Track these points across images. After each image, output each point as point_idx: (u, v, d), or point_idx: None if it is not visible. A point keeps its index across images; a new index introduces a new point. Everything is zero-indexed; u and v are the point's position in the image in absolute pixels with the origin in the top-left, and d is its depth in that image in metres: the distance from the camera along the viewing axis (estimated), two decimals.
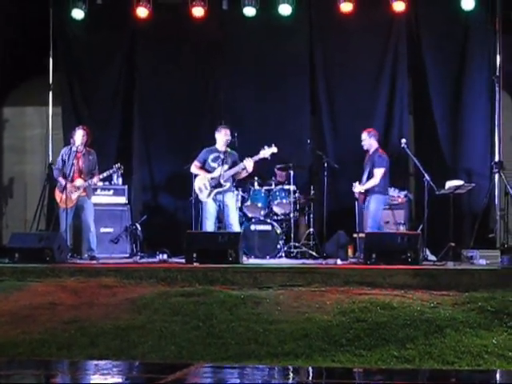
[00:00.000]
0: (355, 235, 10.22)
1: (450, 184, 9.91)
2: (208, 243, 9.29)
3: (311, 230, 10.74)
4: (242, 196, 10.71)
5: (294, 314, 7.18)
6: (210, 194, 10.16)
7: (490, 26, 11.13)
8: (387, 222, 10.49)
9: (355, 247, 10.30)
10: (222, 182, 10.08)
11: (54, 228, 10.42)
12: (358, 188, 10.02)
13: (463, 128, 11.18)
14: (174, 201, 11.60)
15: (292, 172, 10.69)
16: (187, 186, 10.53)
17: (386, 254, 8.94)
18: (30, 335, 6.79)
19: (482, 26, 11.16)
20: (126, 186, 11.24)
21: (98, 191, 10.95)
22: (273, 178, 10.91)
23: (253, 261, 10.08)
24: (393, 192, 10.60)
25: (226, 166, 10.14)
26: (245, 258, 9.72)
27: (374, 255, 8.94)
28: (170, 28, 11.50)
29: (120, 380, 5.50)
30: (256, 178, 10.73)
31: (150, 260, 10.27)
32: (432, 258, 9.77)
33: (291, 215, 10.65)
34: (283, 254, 10.49)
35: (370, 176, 9.98)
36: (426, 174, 9.82)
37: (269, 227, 10.57)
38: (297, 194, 10.75)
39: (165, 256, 10.17)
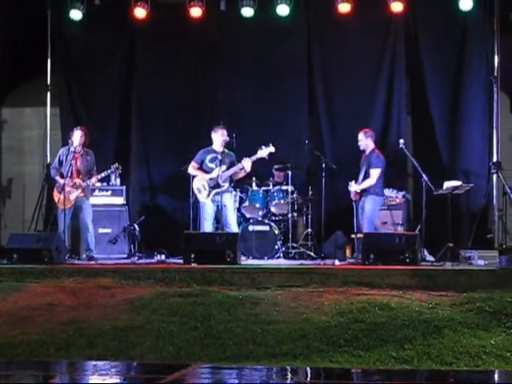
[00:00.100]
0: (353, 236, 10.21)
1: (448, 184, 9.92)
2: (206, 244, 9.29)
3: (309, 230, 10.73)
4: (240, 196, 10.70)
5: (292, 315, 7.19)
6: (209, 195, 10.16)
7: (487, 27, 11.14)
8: (385, 223, 10.49)
9: (353, 248, 10.29)
10: (220, 182, 10.08)
11: (52, 229, 10.42)
12: (353, 187, 10.02)
13: (461, 128, 11.18)
14: (172, 201, 11.59)
15: (290, 172, 10.68)
16: (185, 186, 10.52)
17: (384, 255, 8.94)
18: (28, 336, 6.79)
19: (479, 26, 11.16)
20: (124, 187, 11.24)
21: (96, 192, 10.96)
22: (271, 179, 10.91)
23: (251, 261, 10.07)
24: (391, 192, 10.61)
25: (223, 167, 10.13)
26: (243, 259, 9.71)
27: (372, 256, 8.94)
28: (169, 28, 11.50)
29: (118, 380, 5.50)
30: (254, 179, 10.72)
31: (148, 260, 10.26)
32: (430, 258, 9.77)
33: (289, 216, 10.64)
34: (281, 255, 10.49)
35: (366, 176, 9.98)
36: (424, 175, 9.82)
37: (267, 228, 10.57)
38: (295, 195, 10.74)
39: (163, 256, 10.18)
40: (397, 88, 11.38)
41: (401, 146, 10.15)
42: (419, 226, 9.92)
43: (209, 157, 10.29)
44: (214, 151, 10.28)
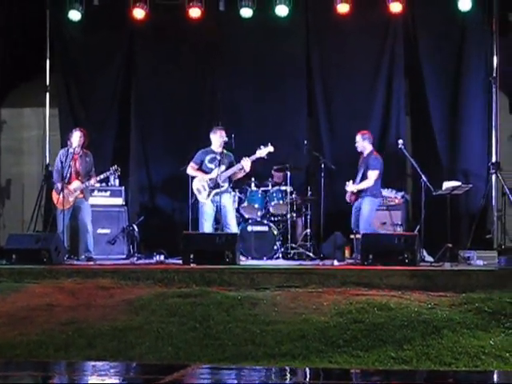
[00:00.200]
0: (352, 236, 10.22)
1: (447, 185, 9.92)
2: (205, 244, 9.29)
3: (308, 230, 10.73)
4: (239, 197, 10.70)
5: (290, 315, 7.19)
6: (209, 195, 10.16)
7: (486, 27, 11.14)
8: (384, 223, 10.50)
9: (352, 248, 10.30)
10: (219, 182, 10.08)
11: (51, 229, 10.39)
12: (350, 187, 10.01)
13: (460, 129, 11.19)
14: (171, 202, 11.59)
15: (289, 173, 10.68)
16: (184, 187, 10.52)
17: (383, 255, 8.95)
18: (27, 336, 6.79)
19: (478, 26, 11.17)
20: (123, 187, 11.24)
21: (95, 192, 10.96)
22: (269, 179, 10.91)
23: (250, 262, 10.07)
24: (390, 193, 10.62)
25: (222, 167, 10.13)
26: (242, 259, 9.72)
27: (371, 256, 8.94)
28: (168, 29, 11.51)
29: (117, 381, 5.50)
30: (253, 179, 10.73)
31: (147, 261, 10.26)
32: (429, 258, 9.77)
33: (288, 216, 10.65)
34: (280, 255, 10.49)
35: (364, 178, 9.98)
36: (422, 175, 9.82)
37: (266, 228, 10.58)
38: (293, 195, 10.74)
39: (162, 257, 10.17)
40: (396, 88, 11.38)
41: (400, 146, 10.15)
42: (418, 227, 9.93)
43: (208, 157, 10.28)
44: (213, 152, 10.28)
